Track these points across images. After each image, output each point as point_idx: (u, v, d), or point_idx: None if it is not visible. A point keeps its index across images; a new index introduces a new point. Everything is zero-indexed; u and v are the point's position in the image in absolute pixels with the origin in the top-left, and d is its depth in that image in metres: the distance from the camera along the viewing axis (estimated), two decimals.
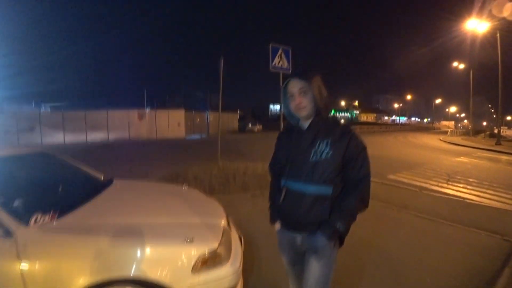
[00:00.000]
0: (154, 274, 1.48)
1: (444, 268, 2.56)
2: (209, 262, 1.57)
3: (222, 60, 6.53)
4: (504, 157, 12.15)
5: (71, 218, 1.72)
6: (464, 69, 29.69)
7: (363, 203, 1.25)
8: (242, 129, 33.17)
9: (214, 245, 1.63)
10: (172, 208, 2.11)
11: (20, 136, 18.05)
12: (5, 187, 1.90)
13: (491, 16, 16.96)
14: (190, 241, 1.58)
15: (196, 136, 23.76)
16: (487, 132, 31.46)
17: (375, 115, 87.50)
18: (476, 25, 17.99)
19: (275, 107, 58.41)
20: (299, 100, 1.28)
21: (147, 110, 25.00)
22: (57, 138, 19.25)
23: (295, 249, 1.38)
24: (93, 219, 1.76)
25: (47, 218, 1.63)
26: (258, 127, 33.06)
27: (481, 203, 4.76)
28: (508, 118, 72.76)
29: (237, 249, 1.84)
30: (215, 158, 6.87)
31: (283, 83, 1.35)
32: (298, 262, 1.39)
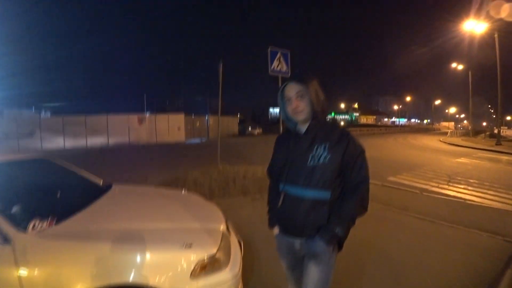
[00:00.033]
0: (152, 280, 1.47)
1: (445, 270, 2.55)
2: (208, 267, 1.56)
3: (221, 64, 6.57)
4: (504, 157, 12.13)
5: (69, 224, 1.71)
6: (463, 70, 29.82)
7: (362, 207, 1.24)
8: (242, 132, 33.22)
9: (213, 250, 1.62)
10: (171, 213, 2.11)
11: (20, 140, 18.08)
12: (3, 193, 1.89)
13: (489, 17, 17.08)
14: (189, 246, 1.57)
15: (196, 140, 23.78)
16: (487, 133, 31.49)
17: (374, 117, 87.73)
18: (474, 26, 18.08)
19: (275, 110, 58.56)
20: (296, 104, 1.28)
21: (147, 115, 25.04)
22: (57, 142, 19.27)
23: (293, 253, 1.37)
24: (91, 224, 1.75)
25: (45, 224, 1.63)
26: (258, 131, 33.11)
27: (482, 204, 4.75)
28: (508, 118, 72.79)
29: (236, 253, 1.83)
30: (215, 162, 6.87)
31: (280, 87, 1.35)
32: (297, 267, 1.38)
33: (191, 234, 1.74)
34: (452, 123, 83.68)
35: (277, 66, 5.55)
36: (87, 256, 1.49)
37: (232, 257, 1.75)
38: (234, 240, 2.02)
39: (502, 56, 17.94)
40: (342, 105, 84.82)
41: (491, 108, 74.79)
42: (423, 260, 2.71)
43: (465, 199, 5.02)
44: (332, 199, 1.24)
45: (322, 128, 1.29)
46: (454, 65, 30.43)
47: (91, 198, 2.12)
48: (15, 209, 1.72)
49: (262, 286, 2.28)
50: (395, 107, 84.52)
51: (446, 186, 6.00)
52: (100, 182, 2.61)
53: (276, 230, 1.41)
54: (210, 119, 27.87)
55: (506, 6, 15.46)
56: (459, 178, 6.83)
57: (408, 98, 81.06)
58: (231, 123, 33.42)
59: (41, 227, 1.59)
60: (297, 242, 1.33)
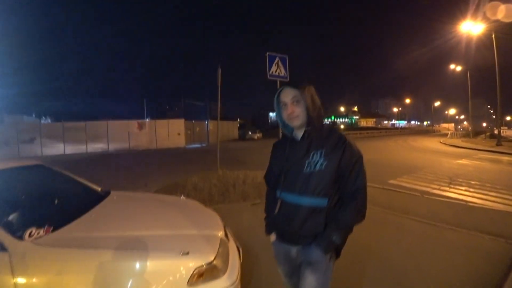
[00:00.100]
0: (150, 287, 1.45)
1: (447, 274, 2.51)
2: (205, 274, 1.54)
3: (220, 69, 6.60)
4: (505, 158, 12.08)
5: (66, 231, 1.70)
6: (462, 71, 29.90)
7: (360, 214, 1.22)
8: (242, 137, 33.23)
9: (210, 257, 1.60)
10: (169, 219, 2.09)
11: (20, 147, 18.12)
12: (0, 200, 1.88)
13: (486, 18, 17.21)
14: (186, 253, 1.56)
15: (196, 145, 23.80)
16: (488, 133, 31.42)
17: (374, 119, 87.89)
18: (472, 27, 18.20)
19: (275, 115, 58.63)
20: (291, 109, 1.27)
21: (147, 120, 25.12)
22: (58, 149, 19.32)
23: (290, 261, 1.36)
24: (88, 232, 1.74)
25: (42, 231, 1.61)
26: (258, 135, 33.11)
27: (484, 206, 4.71)
28: (508, 118, 72.78)
29: (234, 260, 1.81)
30: (215, 167, 6.85)
31: (276, 93, 1.35)
32: (295, 274, 1.36)
33: (189, 241, 1.72)
34: (452, 125, 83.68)
35: (275, 70, 5.57)
36: (83, 264, 1.48)
37: (230, 264, 1.73)
38: (232, 246, 2.00)
39: (500, 56, 18.05)
40: (342, 108, 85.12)
41: (491, 108, 74.91)
42: (425, 264, 2.68)
43: (466, 201, 4.98)
44: (329, 207, 1.23)
45: (318, 134, 1.27)
46: (453, 66, 30.55)
47: (89, 205, 2.11)
48: (11, 216, 1.71)
49: None
50: (395, 109, 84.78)
51: (447, 188, 5.97)
52: (99, 189, 2.60)
53: (273, 237, 1.39)
54: (210, 124, 27.93)
55: (502, 8, 15.59)
56: (460, 180, 6.80)
57: (407, 100, 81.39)
58: (231, 127, 33.48)
59: (37, 234, 1.58)
60: (294, 250, 1.32)
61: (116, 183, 7.08)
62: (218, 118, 7.16)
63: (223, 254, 1.72)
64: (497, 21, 16.53)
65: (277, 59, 5.59)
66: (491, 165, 9.92)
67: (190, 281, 1.50)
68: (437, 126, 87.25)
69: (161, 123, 23.72)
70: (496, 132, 21.53)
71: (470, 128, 35.45)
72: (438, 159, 11.44)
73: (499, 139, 17.93)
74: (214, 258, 1.61)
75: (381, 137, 33.95)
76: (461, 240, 3.23)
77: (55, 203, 2.21)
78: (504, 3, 15.50)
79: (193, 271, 1.52)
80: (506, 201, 4.95)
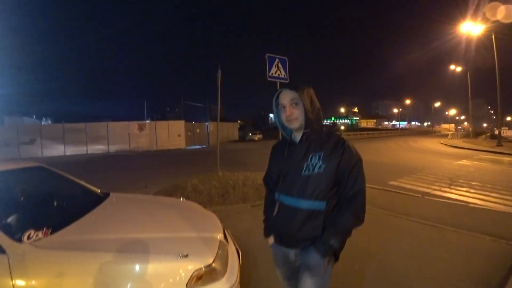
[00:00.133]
0: None
1: (448, 275, 2.50)
2: (204, 277, 1.54)
3: (220, 70, 6.60)
4: (506, 159, 12.05)
5: (65, 233, 1.70)
6: (462, 71, 29.93)
7: (358, 218, 1.21)
8: (242, 138, 33.26)
9: (209, 260, 1.60)
10: (168, 222, 2.09)
11: (20, 148, 18.15)
12: None
13: (485, 18, 17.22)
14: (185, 256, 1.55)
15: (196, 147, 23.81)
16: (488, 134, 31.41)
17: (375, 120, 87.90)
18: (471, 28, 18.22)
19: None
20: (290, 111, 1.26)
21: (147, 122, 25.13)
22: (58, 150, 19.37)
23: (289, 264, 1.35)
24: (87, 234, 1.74)
25: (40, 233, 1.61)
26: (258, 136, 33.13)
27: (485, 207, 4.69)
28: (508, 118, 72.61)
29: (234, 263, 1.81)
30: (215, 168, 6.85)
31: (274, 95, 1.34)
32: (294, 277, 1.35)
33: (188, 244, 1.72)
34: (453, 125, 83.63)
35: (275, 72, 5.58)
36: (82, 267, 1.47)
37: (229, 266, 1.72)
38: (232, 249, 1.99)
39: (500, 57, 18.04)
40: (342, 109, 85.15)
41: (491, 109, 74.83)
42: (426, 265, 2.67)
43: (467, 202, 4.97)
44: (327, 210, 1.21)
45: (317, 137, 1.26)
46: (453, 67, 30.58)
47: (88, 207, 2.11)
48: (10, 218, 1.71)
49: None
50: (395, 110, 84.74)
51: (448, 189, 5.95)
52: (98, 190, 2.59)
53: (271, 240, 1.38)
54: (210, 126, 27.96)
55: (502, 8, 15.61)
56: (461, 181, 6.78)
57: (408, 101, 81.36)
58: (231, 129, 33.49)
59: (36, 237, 1.58)
60: (292, 253, 1.31)
61: (116, 184, 7.08)
62: (218, 119, 7.16)
63: (222, 257, 1.71)
64: (497, 21, 16.56)
65: (276, 60, 5.59)
66: (492, 165, 9.90)
67: (189, 284, 1.49)
68: (437, 126, 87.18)
69: (161, 125, 23.75)
70: (496, 132, 21.50)
71: (470, 128, 35.41)
72: (438, 160, 11.42)
73: (499, 140, 17.91)
74: (213, 261, 1.60)
75: (381, 138, 33.93)
76: (462, 241, 3.22)
77: (54, 205, 2.21)
78: (504, 3, 15.53)
79: (192, 274, 1.51)
80: (507, 202, 4.94)
